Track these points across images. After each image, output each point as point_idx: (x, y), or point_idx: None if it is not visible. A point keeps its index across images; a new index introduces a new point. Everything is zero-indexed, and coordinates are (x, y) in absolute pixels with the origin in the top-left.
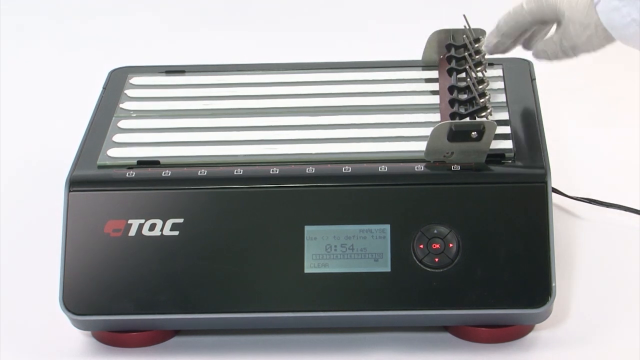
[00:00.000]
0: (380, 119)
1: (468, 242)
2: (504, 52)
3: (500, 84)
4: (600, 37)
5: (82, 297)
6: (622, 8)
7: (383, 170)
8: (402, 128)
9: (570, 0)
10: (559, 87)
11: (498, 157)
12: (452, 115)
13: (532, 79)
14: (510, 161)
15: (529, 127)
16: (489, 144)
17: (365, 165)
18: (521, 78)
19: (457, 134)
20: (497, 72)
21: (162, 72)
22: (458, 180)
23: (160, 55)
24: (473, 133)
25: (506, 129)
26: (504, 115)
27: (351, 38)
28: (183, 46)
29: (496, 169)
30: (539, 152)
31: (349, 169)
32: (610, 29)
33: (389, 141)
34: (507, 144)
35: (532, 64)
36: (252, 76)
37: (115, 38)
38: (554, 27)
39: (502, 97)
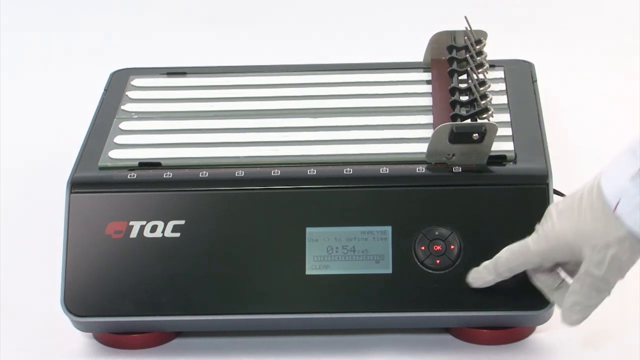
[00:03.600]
0: (382, 120)
1: (469, 243)
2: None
3: (501, 86)
4: (628, 248)
5: (84, 298)
6: None
7: (384, 172)
8: (404, 130)
9: (583, 226)
10: (560, 89)
11: (499, 158)
12: (454, 117)
13: (534, 81)
14: (511, 163)
15: (530, 129)
16: (491, 145)
17: (366, 167)
18: (523, 80)
19: (459, 136)
20: (499, 73)
21: (164, 74)
22: (459, 182)
23: (162, 57)
24: (474, 135)
25: (507, 131)
26: (505, 117)
27: (353, 40)
28: (185, 48)
29: (497, 170)
30: (540, 154)
31: (350, 171)
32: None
33: (391, 143)
34: (509, 146)
35: (534, 66)
36: (253, 78)
37: (116, 39)
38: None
39: (503, 99)
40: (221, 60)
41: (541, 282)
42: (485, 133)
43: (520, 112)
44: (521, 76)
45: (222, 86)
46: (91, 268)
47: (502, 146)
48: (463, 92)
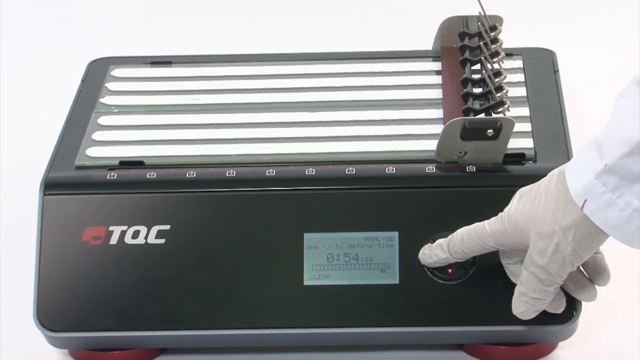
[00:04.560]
0: (387, 115)
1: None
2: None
3: (520, 77)
4: (572, 239)
5: (59, 311)
6: (617, 200)
7: (390, 171)
8: (411, 125)
9: (535, 211)
10: (584, 79)
11: (517, 157)
12: (466, 111)
13: (555, 71)
14: (531, 162)
15: (552, 124)
16: (507, 142)
17: (370, 166)
18: (543, 69)
19: (471, 132)
20: (517, 63)
21: (147, 63)
22: (473, 183)
23: (145, 45)
24: (489, 131)
25: (526, 126)
26: (524, 111)
27: (354, 25)
28: (170, 34)
29: (515, 170)
30: (562, 152)
31: (352, 171)
32: (610, 230)
33: (397, 139)
34: (528, 143)
35: (556, 54)
36: (246, 68)
37: (94, 25)
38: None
39: (522, 91)
40: (211, 49)
41: (510, 272)
42: (501, 129)
43: (541, 105)
44: (541, 66)
45: (212, 77)
46: (67, 278)
47: (520, 143)
48: (476, 83)
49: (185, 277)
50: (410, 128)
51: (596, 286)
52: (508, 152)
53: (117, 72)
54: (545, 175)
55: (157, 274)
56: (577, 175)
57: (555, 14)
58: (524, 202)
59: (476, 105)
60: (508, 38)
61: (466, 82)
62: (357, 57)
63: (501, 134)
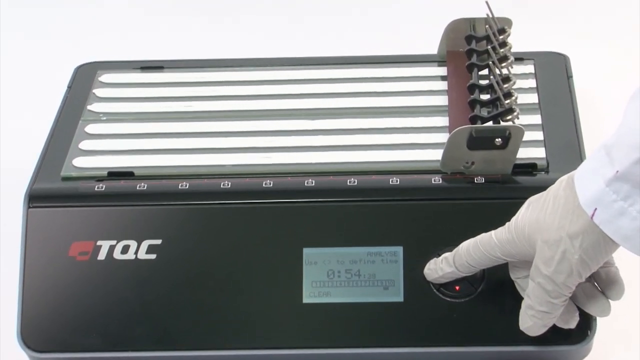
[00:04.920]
0: (390, 122)
1: (494, 266)
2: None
3: (531, 82)
4: (578, 248)
5: (43, 331)
6: (629, 209)
7: (394, 183)
8: (416, 134)
9: (542, 218)
10: (599, 85)
11: (529, 167)
12: (473, 119)
13: (569, 77)
14: (542, 172)
15: (565, 133)
16: (516, 152)
17: (373, 177)
18: (556, 75)
19: (479, 141)
20: (528, 68)
21: (137, 68)
22: (482, 195)
23: (135, 49)
24: (497, 140)
25: (538, 135)
26: (535, 119)
27: (354, 27)
28: (161, 37)
29: (526, 181)
30: (576, 162)
31: (354, 182)
32: (621, 241)
33: (402, 149)
34: (540, 152)
35: (569, 59)
36: (242, 73)
37: (81, 27)
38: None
39: (533, 98)
40: (205, 53)
41: (520, 287)
42: (510, 137)
43: (553, 113)
44: (554, 71)
45: (206, 83)
46: (52, 296)
47: (531, 153)
48: (484, 89)
49: (177, 294)
50: (415, 137)
51: (610, 300)
52: (518, 162)
53: (105, 77)
54: None
55: (148, 291)
56: (586, 182)
57: (568, 16)
58: (532, 209)
59: (484, 112)
60: (518, 41)
61: (473, 88)
62: (358, 62)
63: (510, 143)
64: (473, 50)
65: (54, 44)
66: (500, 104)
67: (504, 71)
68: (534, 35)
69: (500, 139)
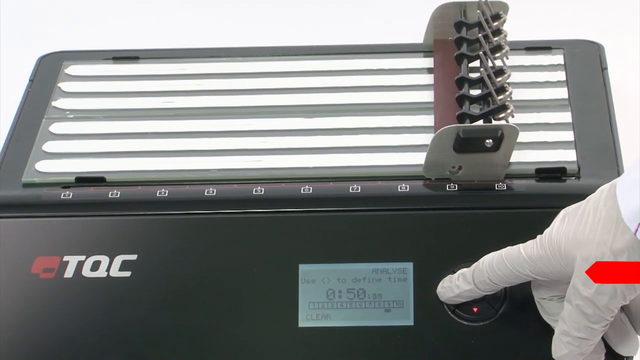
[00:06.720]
0: (396, 121)
1: (517, 285)
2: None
3: (560, 75)
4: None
5: (4, 357)
6: None
7: (403, 189)
8: (425, 134)
9: (580, 232)
10: (638, 79)
11: (557, 172)
12: (461, 117)
13: (603, 69)
14: (573, 177)
15: (599, 132)
16: (509, 155)
17: (379, 183)
18: (589, 67)
19: (466, 142)
20: (557, 58)
21: (108, 59)
22: (505, 204)
23: (106, 37)
24: (487, 141)
25: (568, 135)
26: (565, 117)
27: (332, 15)
28: (136, 24)
29: (555, 188)
30: (611, 165)
31: (357, 189)
32: None
33: (412, 151)
34: (570, 155)
35: (604, 48)
36: (227, 64)
37: (45, 13)
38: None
39: (563, 92)
40: (185, 42)
41: (543, 309)
42: (502, 138)
43: (586, 109)
44: (587, 62)
45: (186, 75)
46: (13, 318)
47: (560, 155)
48: (474, 83)
49: (154, 318)
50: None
51: None
52: (545, 166)
53: (72, 69)
54: (590, 194)
55: (121, 314)
56: (629, 193)
57: (601, 0)
58: (568, 222)
59: (473, 110)
60: (543, 28)
61: (462, 81)
62: (335, 52)
63: (502, 145)
64: (463, 39)
65: (13, 31)
66: (492, 100)
67: (498, 62)
68: (563, 22)
69: (491, 140)
